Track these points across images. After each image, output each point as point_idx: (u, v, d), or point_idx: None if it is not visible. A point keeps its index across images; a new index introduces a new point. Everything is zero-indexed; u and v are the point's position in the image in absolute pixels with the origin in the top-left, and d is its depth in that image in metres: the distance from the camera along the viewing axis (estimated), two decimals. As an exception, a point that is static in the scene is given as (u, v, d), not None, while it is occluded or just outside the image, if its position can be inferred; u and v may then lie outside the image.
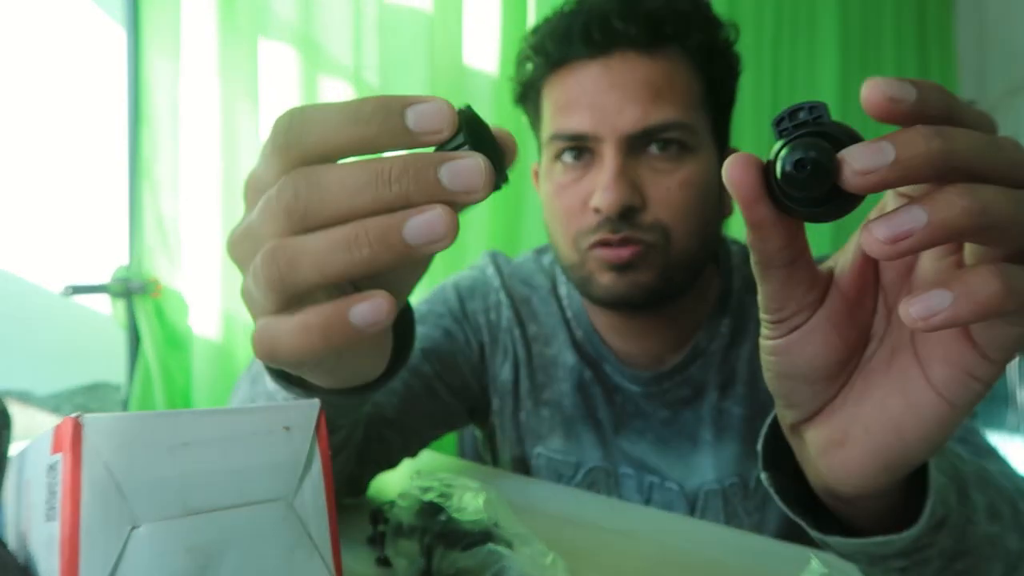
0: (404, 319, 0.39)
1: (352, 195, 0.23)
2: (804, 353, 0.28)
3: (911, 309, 0.21)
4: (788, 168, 0.22)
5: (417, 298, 0.74)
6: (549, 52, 0.62)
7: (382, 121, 0.24)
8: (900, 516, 0.32)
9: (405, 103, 0.24)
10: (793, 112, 0.23)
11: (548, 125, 0.64)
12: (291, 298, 0.25)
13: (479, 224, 1.30)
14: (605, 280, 0.61)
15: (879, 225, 0.21)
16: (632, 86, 0.58)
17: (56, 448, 0.22)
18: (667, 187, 0.59)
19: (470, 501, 0.41)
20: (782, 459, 0.35)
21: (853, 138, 0.22)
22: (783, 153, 0.23)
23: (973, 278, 0.21)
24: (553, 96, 0.63)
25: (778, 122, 0.23)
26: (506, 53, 1.31)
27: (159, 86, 1.07)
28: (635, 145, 0.59)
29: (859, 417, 0.28)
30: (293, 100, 1.12)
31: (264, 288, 0.25)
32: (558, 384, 0.71)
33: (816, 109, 0.23)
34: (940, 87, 0.22)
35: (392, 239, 0.23)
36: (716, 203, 0.63)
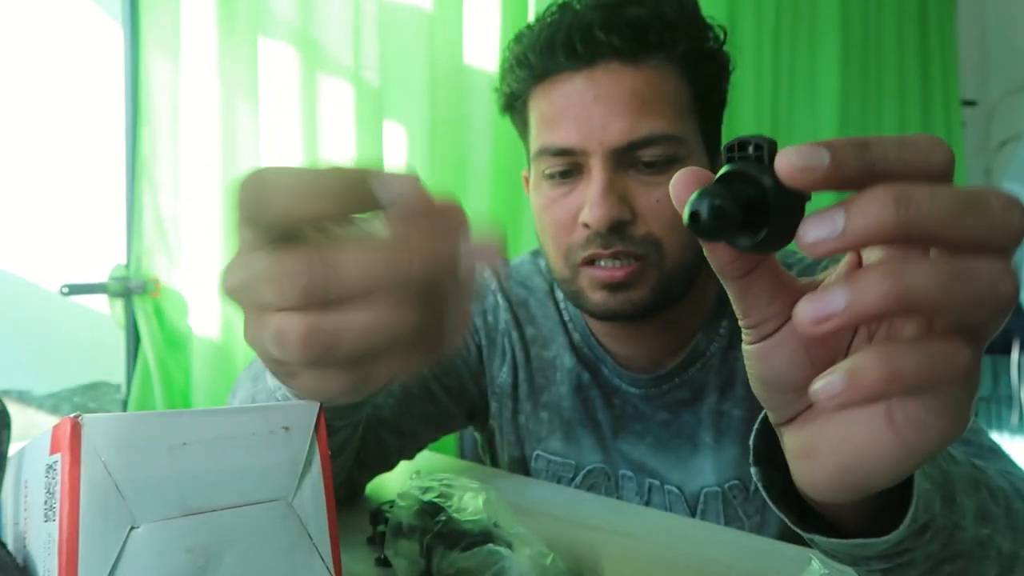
0: None
1: (370, 278, 0.23)
2: (773, 363, 0.29)
3: (816, 385, 0.22)
4: (687, 218, 0.23)
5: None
6: (532, 65, 0.61)
7: (345, 197, 0.23)
8: (885, 518, 0.32)
9: (370, 179, 0.23)
10: (743, 143, 0.23)
11: (535, 139, 0.63)
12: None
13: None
14: (596, 297, 0.61)
15: (805, 304, 0.21)
16: (617, 98, 0.57)
17: (55, 448, 0.22)
18: (656, 199, 0.58)
19: (470, 501, 0.41)
20: (775, 455, 0.35)
21: (775, 184, 0.22)
22: (691, 197, 0.23)
23: (859, 363, 0.21)
24: (539, 109, 0.62)
25: (728, 149, 0.24)
26: (506, 52, 1.31)
27: (158, 85, 1.07)
28: (622, 158, 0.58)
29: (826, 435, 0.28)
30: (293, 99, 1.12)
31: (300, 360, 0.24)
32: (557, 386, 0.71)
33: (761, 146, 0.23)
34: (863, 142, 0.21)
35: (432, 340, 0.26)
36: None
